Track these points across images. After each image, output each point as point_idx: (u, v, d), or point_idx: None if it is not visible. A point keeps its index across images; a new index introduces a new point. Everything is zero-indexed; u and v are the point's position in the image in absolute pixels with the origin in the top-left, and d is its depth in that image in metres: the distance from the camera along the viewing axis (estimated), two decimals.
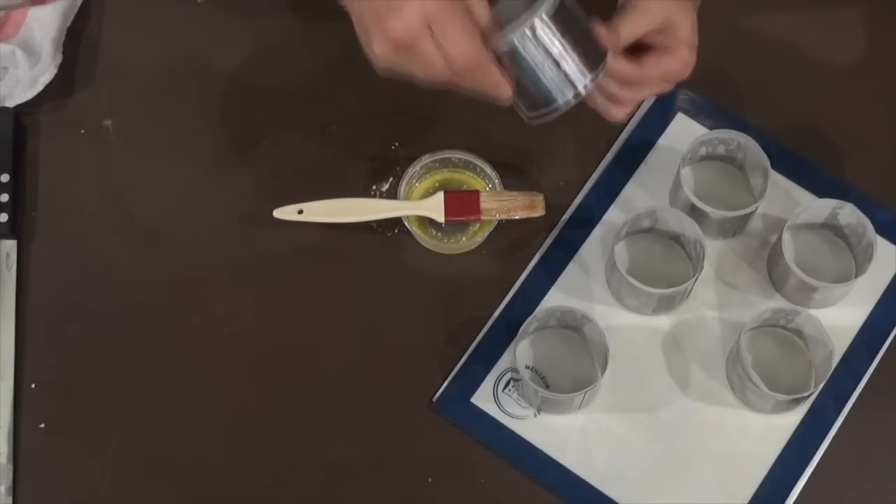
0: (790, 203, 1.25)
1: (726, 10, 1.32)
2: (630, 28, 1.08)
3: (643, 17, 1.08)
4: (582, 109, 1.29)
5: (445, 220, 1.22)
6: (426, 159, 1.24)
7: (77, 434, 1.21)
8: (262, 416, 1.21)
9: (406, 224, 1.23)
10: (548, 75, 1.03)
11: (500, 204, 1.22)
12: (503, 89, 1.02)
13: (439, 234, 1.25)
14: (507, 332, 1.21)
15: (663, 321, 1.22)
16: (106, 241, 1.27)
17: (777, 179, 1.24)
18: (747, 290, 1.23)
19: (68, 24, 1.31)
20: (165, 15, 1.34)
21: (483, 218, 1.22)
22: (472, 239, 1.24)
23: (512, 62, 1.02)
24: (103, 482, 1.19)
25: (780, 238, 1.19)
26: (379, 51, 0.98)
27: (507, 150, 1.27)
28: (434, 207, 1.23)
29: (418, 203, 1.24)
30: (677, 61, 1.10)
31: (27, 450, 1.19)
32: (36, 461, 1.19)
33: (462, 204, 1.22)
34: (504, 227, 1.24)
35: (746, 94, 1.29)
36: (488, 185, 1.25)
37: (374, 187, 1.27)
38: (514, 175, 1.25)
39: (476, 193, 1.22)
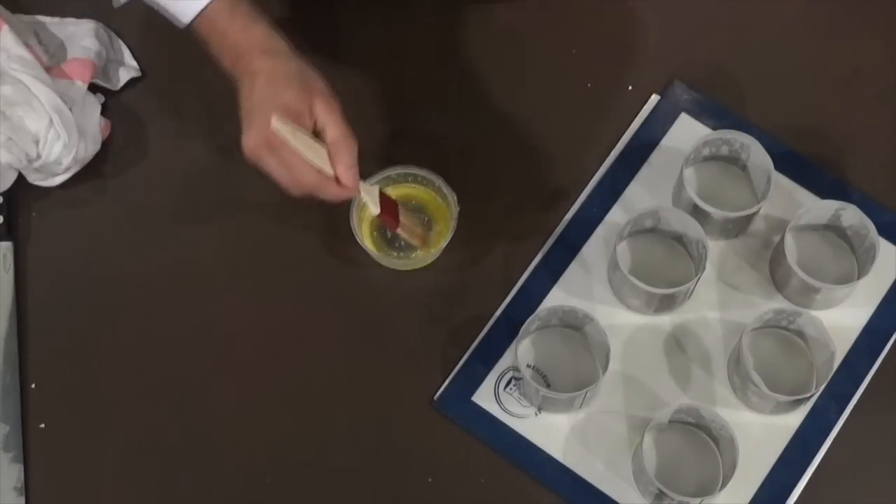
0: (793, 204, 1.25)
1: (729, 11, 1.32)
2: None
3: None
4: (584, 111, 1.29)
5: (380, 214, 1.17)
6: (390, 171, 1.22)
7: (77, 434, 1.20)
8: (263, 416, 1.21)
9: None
10: None
11: (409, 222, 1.19)
12: (345, 196, 1.12)
13: (393, 252, 1.23)
14: (508, 330, 1.21)
15: (665, 321, 1.22)
16: (105, 240, 1.26)
17: (780, 180, 1.24)
18: (749, 291, 1.23)
19: None
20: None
21: (400, 230, 1.19)
22: (429, 253, 1.22)
23: None
24: (103, 482, 1.19)
25: (782, 239, 1.19)
26: (244, 150, 1.11)
27: (506, 149, 1.27)
28: (374, 198, 1.17)
29: (366, 186, 1.17)
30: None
31: (27, 450, 1.19)
32: (36, 461, 1.19)
33: (391, 205, 1.19)
34: (505, 226, 1.24)
35: (750, 95, 1.29)
36: (449, 204, 1.22)
37: None
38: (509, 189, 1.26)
39: (396, 203, 1.19)
